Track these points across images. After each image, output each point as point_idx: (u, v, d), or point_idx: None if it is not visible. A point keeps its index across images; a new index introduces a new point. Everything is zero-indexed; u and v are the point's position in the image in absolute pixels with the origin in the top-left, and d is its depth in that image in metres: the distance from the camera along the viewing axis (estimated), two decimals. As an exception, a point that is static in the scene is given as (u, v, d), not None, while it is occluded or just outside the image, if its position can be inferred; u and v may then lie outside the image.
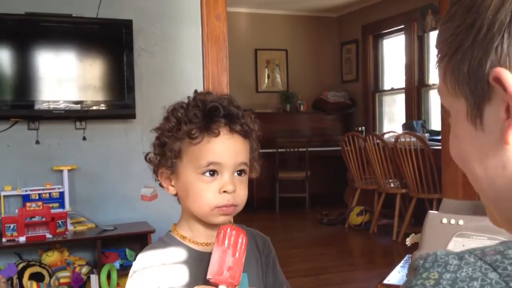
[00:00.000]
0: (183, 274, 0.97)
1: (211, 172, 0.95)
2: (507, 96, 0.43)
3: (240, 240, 0.89)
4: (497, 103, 0.44)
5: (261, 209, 5.84)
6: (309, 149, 6.17)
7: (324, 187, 6.39)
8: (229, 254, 0.87)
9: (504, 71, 0.43)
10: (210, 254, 0.94)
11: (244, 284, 0.97)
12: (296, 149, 6.24)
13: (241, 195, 0.98)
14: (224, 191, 0.95)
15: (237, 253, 0.88)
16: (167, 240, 1.01)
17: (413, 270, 0.42)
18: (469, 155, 0.49)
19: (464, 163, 0.51)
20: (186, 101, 0.99)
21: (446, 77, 0.49)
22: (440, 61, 0.50)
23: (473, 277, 0.38)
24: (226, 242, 0.88)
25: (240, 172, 0.98)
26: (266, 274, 1.05)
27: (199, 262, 0.97)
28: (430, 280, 0.40)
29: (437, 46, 0.51)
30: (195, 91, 1.02)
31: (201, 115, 0.95)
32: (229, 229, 0.90)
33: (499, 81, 0.43)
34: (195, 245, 1.00)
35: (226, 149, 0.96)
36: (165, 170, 0.99)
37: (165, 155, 0.97)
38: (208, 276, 0.87)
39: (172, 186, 1.00)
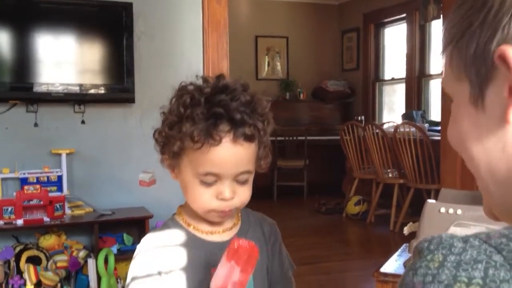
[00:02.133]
0: (184, 261, 0.96)
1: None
2: (511, 75, 0.43)
3: (252, 257, 0.87)
4: (500, 83, 0.45)
5: (259, 197, 5.83)
6: (308, 137, 6.17)
7: (322, 176, 6.40)
8: (237, 270, 0.85)
9: (510, 49, 0.43)
10: (213, 243, 0.93)
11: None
12: (295, 138, 6.23)
13: (242, 197, 0.95)
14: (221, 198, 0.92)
15: (246, 269, 0.85)
16: (171, 225, 1.00)
17: (417, 253, 0.41)
18: (467, 137, 0.50)
19: (462, 146, 0.51)
20: (197, 85, 0.93)
21: (452, 60, 0.50)
22: (447, 45, 0.51)
23: (478, 260, 0.38)
24: (237, 258, 0.85)
25: (242, 180, 0.94)
26: (272, 262, 1.05)
27: (201, 250, 0.96)
28: (435, 262, 0.40)
29: (444, 33, 0.52)
30: (203, 78, 0.96)
31: (204, 118, 0.89)
32: (241, 242, 0.87)
33: (504, 58, 0.44)
34: (199, 232, 0.98)
35: (227, 159, 0.90)
36: (167, 159, 0.96)
37: (168, 146, 0.94)
38: (211, 286, 0.86)
39: (174, 173, 0.98)
